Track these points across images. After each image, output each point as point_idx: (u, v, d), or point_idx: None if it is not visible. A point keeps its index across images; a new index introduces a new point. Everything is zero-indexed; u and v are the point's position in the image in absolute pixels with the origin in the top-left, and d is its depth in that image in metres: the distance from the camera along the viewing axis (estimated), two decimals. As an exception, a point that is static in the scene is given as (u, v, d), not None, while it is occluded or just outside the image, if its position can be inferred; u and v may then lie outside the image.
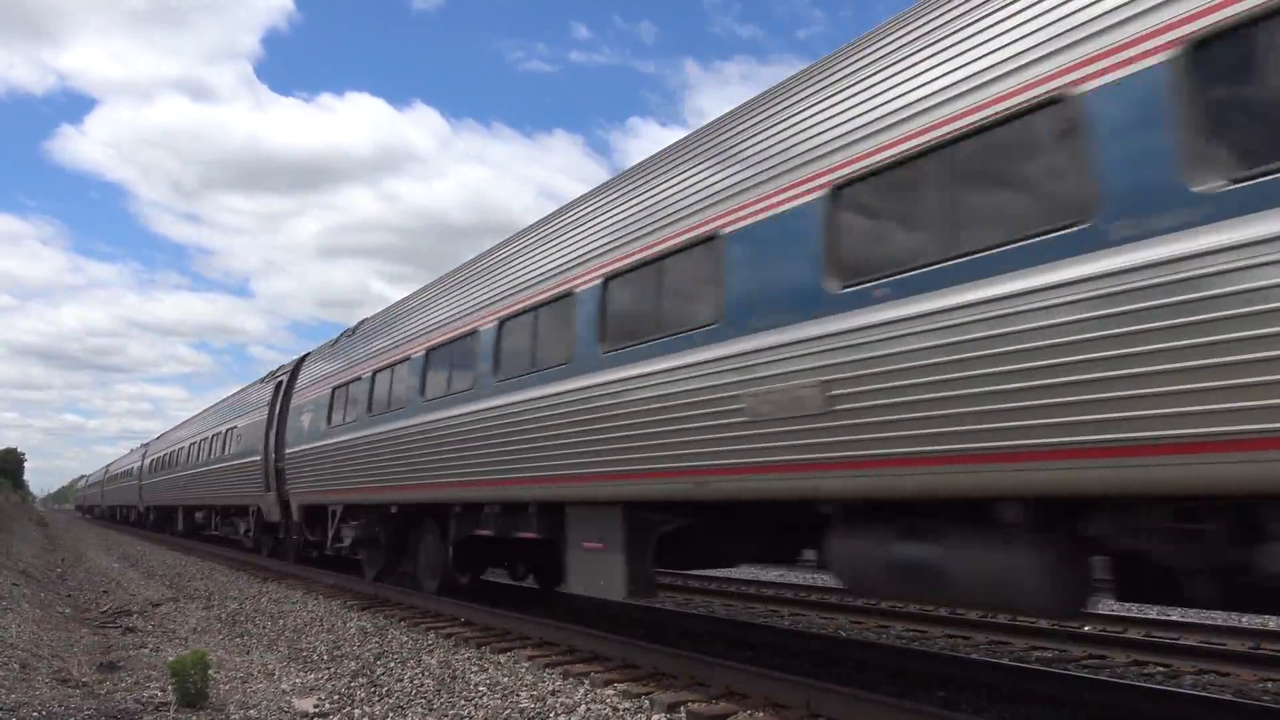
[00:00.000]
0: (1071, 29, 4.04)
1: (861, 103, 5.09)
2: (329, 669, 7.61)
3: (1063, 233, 3.95)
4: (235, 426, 20.04)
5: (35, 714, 5.45)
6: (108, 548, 26.65)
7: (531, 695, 6.16)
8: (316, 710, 6.19)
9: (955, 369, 4.27)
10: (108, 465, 55.84)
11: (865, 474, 4.76)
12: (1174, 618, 9.20)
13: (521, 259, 8.88)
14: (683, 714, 5.59)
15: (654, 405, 6.27)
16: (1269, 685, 6.44)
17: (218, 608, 11.99)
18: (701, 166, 6.38)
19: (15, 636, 8.32)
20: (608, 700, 5.95)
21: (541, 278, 8.22)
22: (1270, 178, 3.33)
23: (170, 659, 6.78)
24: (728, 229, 5.87)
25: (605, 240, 7.31)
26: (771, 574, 14.88)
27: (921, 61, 4.77)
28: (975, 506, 4.54)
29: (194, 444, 25.08)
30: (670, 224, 6.49)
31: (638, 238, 6.84)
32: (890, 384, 4.58)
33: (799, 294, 5.23)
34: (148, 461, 35.80)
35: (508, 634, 8.72)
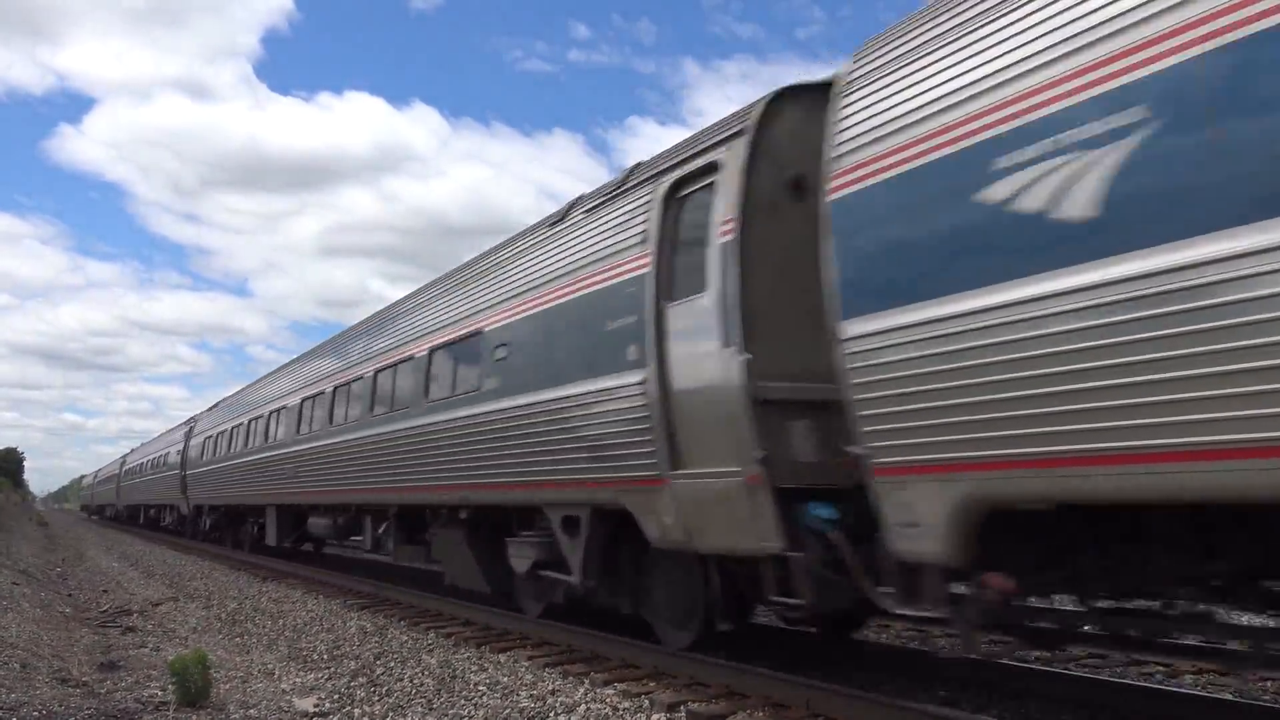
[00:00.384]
0: None
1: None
2: (329, 668, 7.61)
3: None
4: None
5: (35, 714, 5.45)
6: (108, 547, 26.66)
7: (531, 695, 6.16)
8: (316, 710, 6.19)
9: None
10: (124, 456, 48.71)
11: None
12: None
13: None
14: (683, 714, 5.59)
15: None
16: (1269, 685, 6.44)
17: (217, 607, 11.99)
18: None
19: (15, 636, 8.32)
20: (608, 700, 5.95)
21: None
22: None
23: (170, 658, 6.78)
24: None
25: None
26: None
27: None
28: None
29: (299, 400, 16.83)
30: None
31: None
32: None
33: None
34: (202, 440, 24.67)
35: (508, 634, 8.72)
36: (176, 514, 28.81)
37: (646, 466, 6.53)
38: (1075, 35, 4.04)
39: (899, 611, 5.49)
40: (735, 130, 6.36)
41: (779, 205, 6.04)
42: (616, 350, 6.89)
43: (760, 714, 5.52)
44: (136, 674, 7.31)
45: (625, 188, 7.67)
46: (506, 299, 8.96)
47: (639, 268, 6.82)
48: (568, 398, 7.51)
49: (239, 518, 21.32)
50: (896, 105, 4.94)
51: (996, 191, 4.25)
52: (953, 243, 4.48)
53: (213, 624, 10.67)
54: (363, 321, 14.60)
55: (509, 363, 8.59)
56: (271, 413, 17.62)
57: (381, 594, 12.07)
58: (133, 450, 46.70)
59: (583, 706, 5.81)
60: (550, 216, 9.31)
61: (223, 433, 22.30)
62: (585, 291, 7.54)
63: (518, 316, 8.61)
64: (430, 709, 6.06)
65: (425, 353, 10.48)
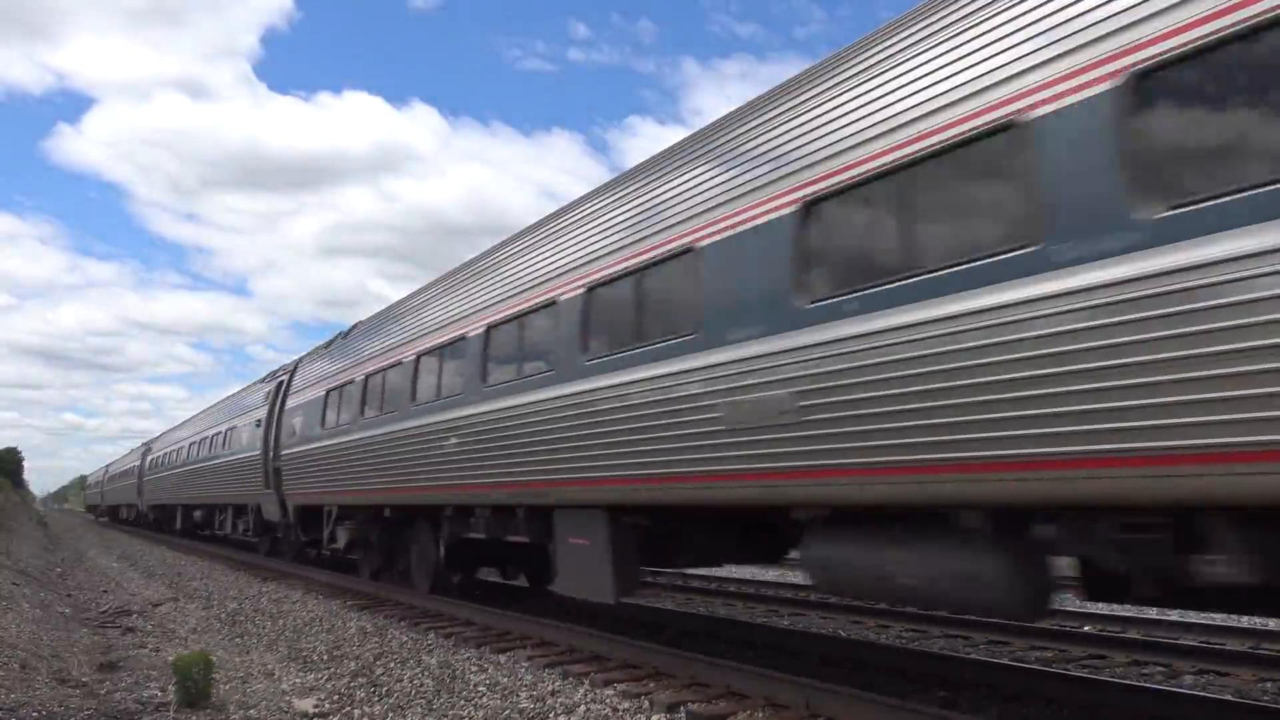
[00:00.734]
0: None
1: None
2: (329, 669, 7.61)
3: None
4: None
5: (35, 714, 5.45)
6: (108, 547, 26.65)
7: (531, 695, 6.16)
8: (316, 710, 6.19)
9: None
10: (148, 443, 37.65)
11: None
12: (1174, 618, 9.20)
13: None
14: (683, 714, 5.59)
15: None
16: (1269, 685, 6.44)
17: (217, 607, 11.99)
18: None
19: (15, 636, 8.32)
20: (608, 700, 5.95)
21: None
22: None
23: (171, 658, 6.78)
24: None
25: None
26: (771, 574, 14.88)
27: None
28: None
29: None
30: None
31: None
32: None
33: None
34: (311, 401, 14.92)
35: (508, 634, 8.72)
36: (254, 519, 18.27)
37: None
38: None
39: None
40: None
41: None
42: None
43: (760, 714, 5.53)
44: (136, 674, 7.30)
45: None
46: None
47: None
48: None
49: (392, 530, 12.09)
50: None
51: None
52: None
53: (213, 624, 10.66)
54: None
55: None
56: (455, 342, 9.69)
57: (381, 594, 12.07)
58: (161, 435, 35.90)
59: (583, 707, 5.81)
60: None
61: (352, 386, 12.60)
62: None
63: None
64: (430, 709, 6.06)
65: None
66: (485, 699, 6.19)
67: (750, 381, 5.38)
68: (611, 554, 6.88)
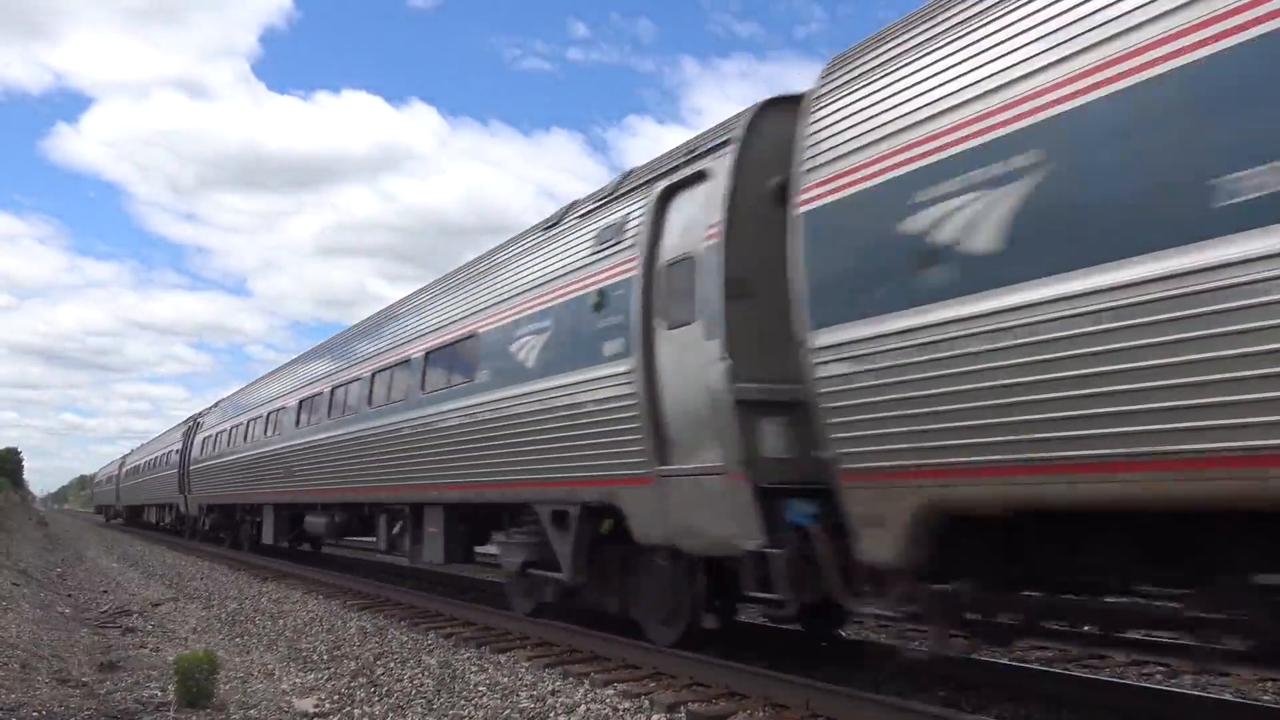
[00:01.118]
0: None
1: None
2: (329, 669, 7.61)
3: None
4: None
5: (35, 714, 5.45)
6: (108, 547, 26.65)
7: (531, 695, 6.15)
8: (316, 710, 6.19)
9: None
10: (196, 417, 27.97)
11: None
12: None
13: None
14: (683, 714, 5.59)
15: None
16: (1269, 685, 6.44)
17: (218, 608, 11.99)
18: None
19: (15, 636, 8.32)
20: (608, 700, 5.94)
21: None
22: None
23: (173, 658, 6.78)
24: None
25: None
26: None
27: None
28: None
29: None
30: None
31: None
32: None
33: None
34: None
35: (508, 634, 8.72)
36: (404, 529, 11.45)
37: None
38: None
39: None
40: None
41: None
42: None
43: (760, 714, 5.52)
44: (136, 674, 7.30)
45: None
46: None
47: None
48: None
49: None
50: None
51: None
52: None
53: (213, 624, 10.66)
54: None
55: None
56: None
57: (381, 594, 12.08)
58: (215, 406, 25.88)
59: (583, 707, 5.81)
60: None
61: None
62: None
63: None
64: (430, 709, 6.06)
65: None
66: (485, 699, 6.19)
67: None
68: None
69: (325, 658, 8.10)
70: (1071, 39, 4.01)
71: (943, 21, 4.90)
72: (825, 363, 5.06)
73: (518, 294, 8.93)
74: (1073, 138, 3.95)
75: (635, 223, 7.21)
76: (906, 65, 4.95)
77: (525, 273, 8.98)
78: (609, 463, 7.05)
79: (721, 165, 6.37)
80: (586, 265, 7.74)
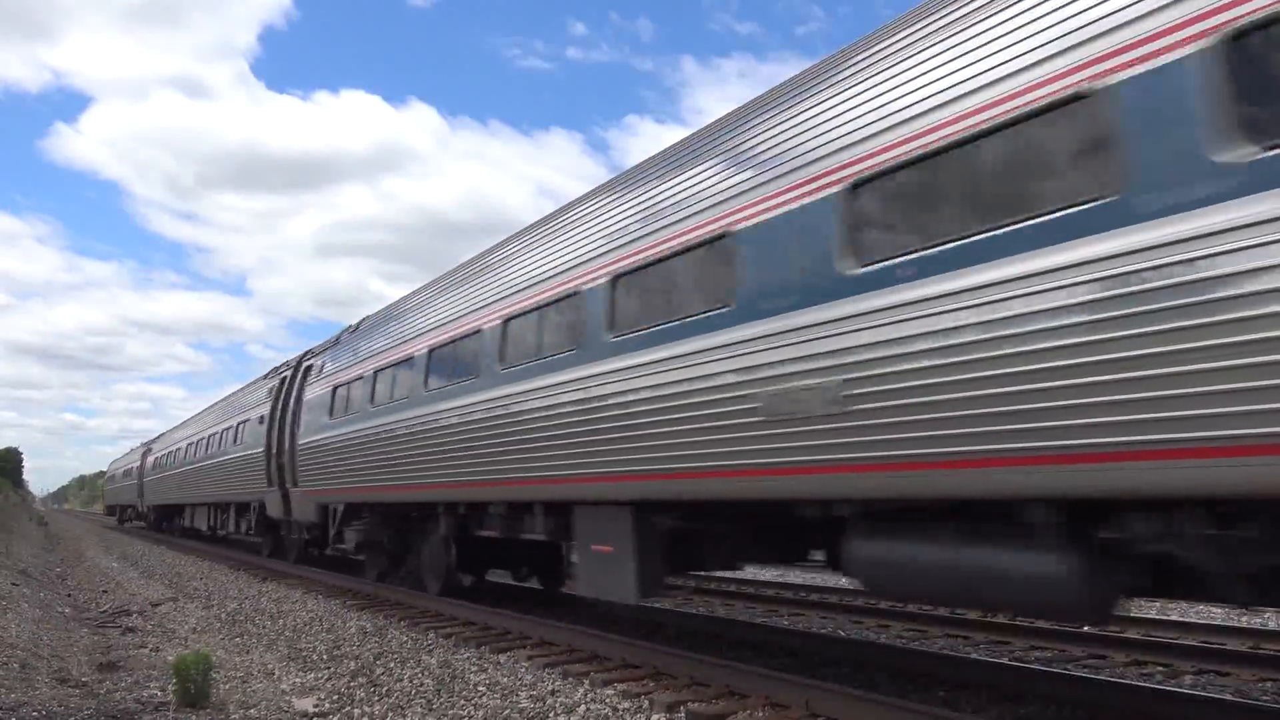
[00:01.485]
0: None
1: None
2: (329, 669, 7.61)
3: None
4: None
5: (35, 714, 5.44)
6: (108, 547, 26.65)
7: (531, 695, 6.15)
8: (316, 710, 6.19)
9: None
10: (309, 354, 16.25)
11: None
12: (1173, 618, 9.20)
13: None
14: (683, 714, 5.59)
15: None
16: (1269, 685, 6.44)
17: (217, 607, 11.99)
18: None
19: (15, 636, 8.32)
20: (608, 700, 5.94)
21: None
22: None
23: (171, 659, 6.78)
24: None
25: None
26: (770, 574, 14.87)
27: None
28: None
29: None
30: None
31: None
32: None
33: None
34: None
35: (507, 634, 8.72)
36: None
37: None
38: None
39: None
40: None
41: None
42: None
43: (760, 714, 5.52)
44: (136, 674, 7.30)
45: None
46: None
47: None
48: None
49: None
50: None
51: None
52: None
53: (213, 624, 10.66)
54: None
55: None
56: None
57: (381, 594, 12.07)
58: (334, 343, 14.88)
59: (583, 707, 5.81)
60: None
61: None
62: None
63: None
64: (430, 709, 6.06)
65: None
66: (485, 699, 6.19)
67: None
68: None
69: (325, 657, 8.09)
70: None
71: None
72: None
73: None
74: None
75: None
76: None
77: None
78: None
79: None
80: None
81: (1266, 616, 8.86)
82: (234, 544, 23.84)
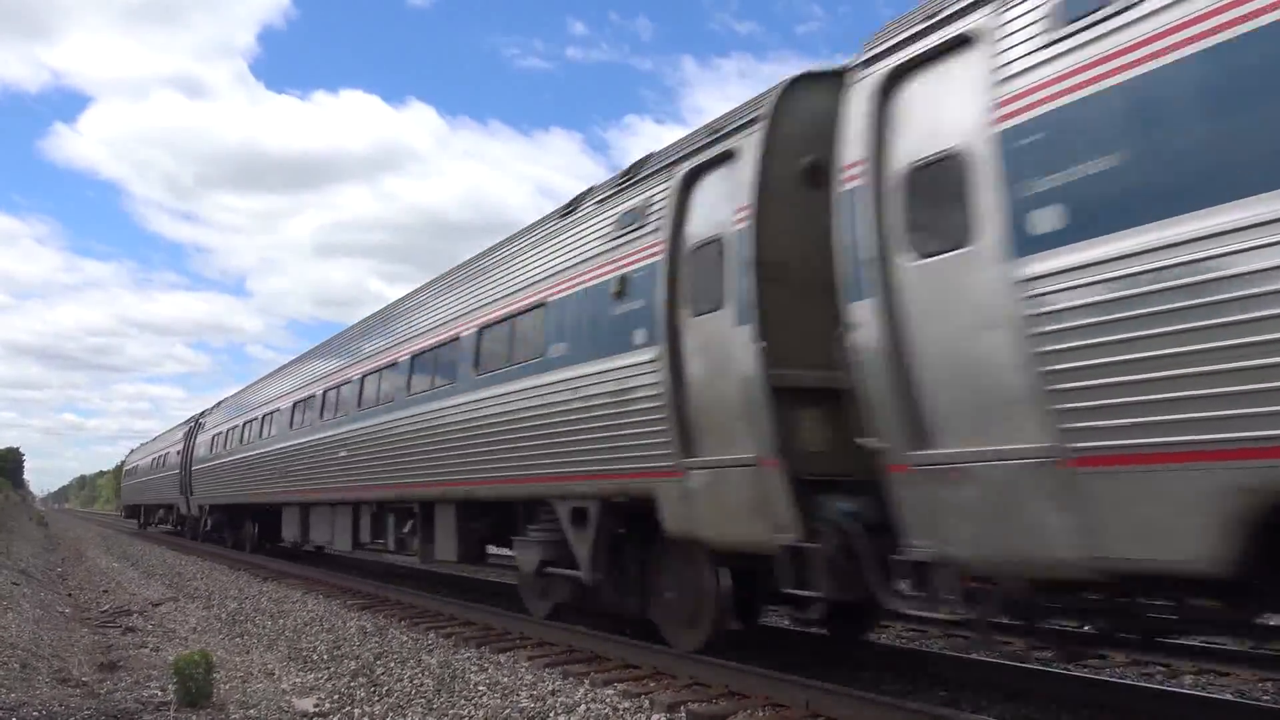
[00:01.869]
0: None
1: None
2: (329, 668, 7.61)
3: None
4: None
5: (35, 714, 5.44)
6: (108, 547, 26.65)
7: (531, 695, 6.15)
8: (316, 710, 6.19)
9: None
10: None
11: None
12: (1174, 617, 9.17)
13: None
14: (683, 714, 5.58)
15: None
16: (1269, 685, 6.44)
17: (218, 607, 11.99)
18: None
19: (15, 636, 8.32)
20: (608, 700, 5.94)
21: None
22: None
23: (172, 658, 6.78)
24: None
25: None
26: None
27: None
28: None
29: None
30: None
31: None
32: None
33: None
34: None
35: (508, 634, 8.72)
36: None
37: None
38: None
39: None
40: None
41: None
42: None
43: (760, 714, 5.52)
44: (136, 674, 7.31)
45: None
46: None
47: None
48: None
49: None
50: None
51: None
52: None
53: (213, 624, 10.66)
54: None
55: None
56: None
57: (381, 594, 12.07)
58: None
59: (583, 707, 5.81)
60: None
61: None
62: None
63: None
64: (430, 709, 6.06)
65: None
66: (485, 698, 6.19)
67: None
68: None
69: (325, 657, 8.10)
70: None
71: None
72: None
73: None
74: None
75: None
76: None
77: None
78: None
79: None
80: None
81: (1266, 616, 8.83)
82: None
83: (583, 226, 8.29)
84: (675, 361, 6.48)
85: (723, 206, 6.29)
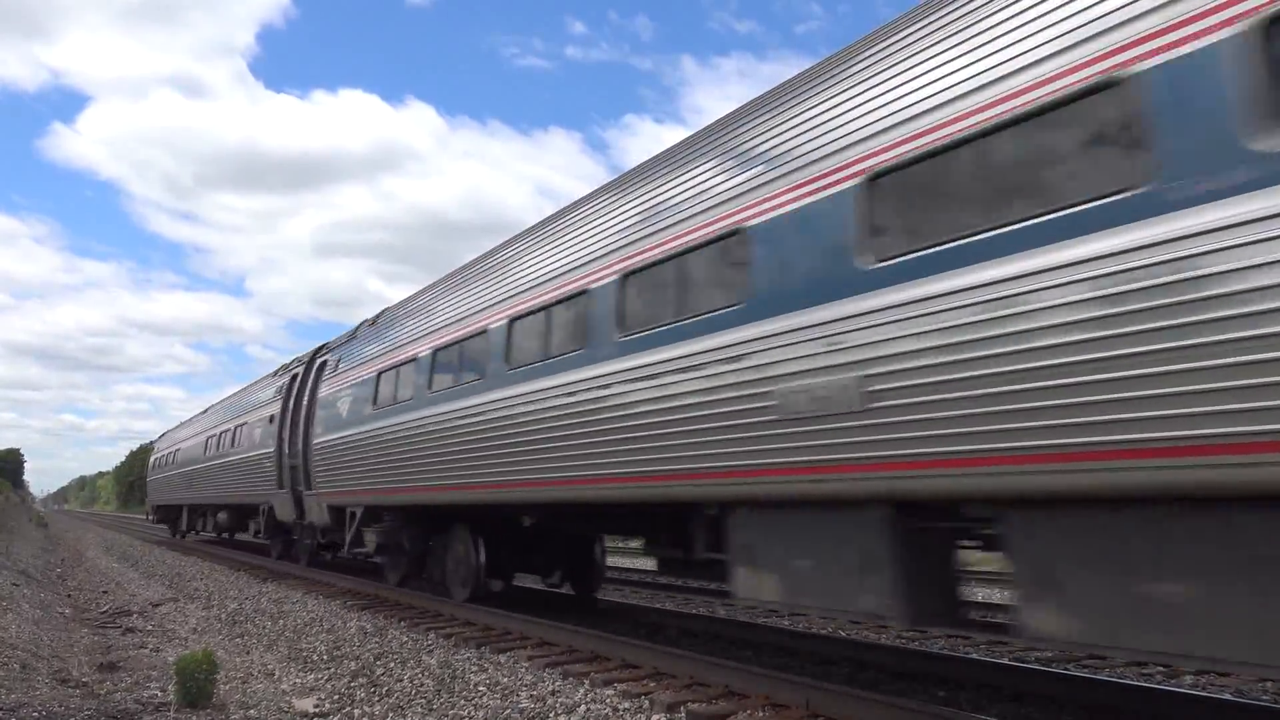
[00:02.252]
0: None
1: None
2: (329, 669, 7.61)
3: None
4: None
5: (35, 714, 5.45)
6: (108, 548, 26.65)
7: (531, 695, 6.16)
8: (316, 710, 6.19)
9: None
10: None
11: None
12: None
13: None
14: (683, 714, 5.59)
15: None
16: (1269, 685, 6.44)
17: (218, 608, 11.99)
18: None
19: (15, 636, 8.32)
20: (608, 700, 5.94)
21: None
22: None
23: (172, 659, 6.78)
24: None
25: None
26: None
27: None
28: None
29: None
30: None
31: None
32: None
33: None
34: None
35: (508, 634, 8.72)
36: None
37: None
38: None
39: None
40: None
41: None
42: None
43: (760, 714, 5.52)
44: (136, 674, 7.31)
45: None
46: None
47: None
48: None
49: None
50: None
51: None
52: None
53: (213, 624, 10.66)
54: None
55: None
56: None
57: (381, 594, 12.07)
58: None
59: (583, 707, 5.81)
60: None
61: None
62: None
63: None
64: (430, 709, 6.06)
65: None
66: (485, 699, 6.19)
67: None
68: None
69: (325, 658, 8.10)
70: None
71: None
72: None
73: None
74: None
75: None
76: None
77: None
78: None
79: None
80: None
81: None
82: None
83: None
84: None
85: None
